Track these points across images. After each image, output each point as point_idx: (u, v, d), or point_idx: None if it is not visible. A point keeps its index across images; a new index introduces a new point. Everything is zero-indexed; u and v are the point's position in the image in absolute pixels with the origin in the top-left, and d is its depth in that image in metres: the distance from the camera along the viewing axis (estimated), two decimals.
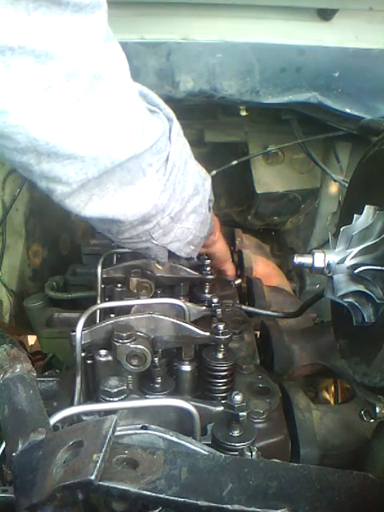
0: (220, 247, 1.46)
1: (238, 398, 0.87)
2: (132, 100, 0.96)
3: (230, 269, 1.54)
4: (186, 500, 0.57)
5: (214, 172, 1.77)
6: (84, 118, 0.87)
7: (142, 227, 1.12)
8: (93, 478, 0.55)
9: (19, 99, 0.79)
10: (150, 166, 1.03)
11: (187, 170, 1.13)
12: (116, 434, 0.73)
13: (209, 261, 1.42)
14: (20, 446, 0.66)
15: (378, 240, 0.94)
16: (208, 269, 1.40)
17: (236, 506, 0.57)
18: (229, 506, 0.57)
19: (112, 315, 1.13)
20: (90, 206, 1.00)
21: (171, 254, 1.25)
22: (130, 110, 0.95)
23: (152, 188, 1.06)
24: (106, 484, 0.57)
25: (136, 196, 1.05)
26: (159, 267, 1.30)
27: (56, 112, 0.83)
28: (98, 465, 0.56)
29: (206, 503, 0.57)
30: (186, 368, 1.09)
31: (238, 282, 1.55)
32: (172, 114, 1.10)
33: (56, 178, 0.91)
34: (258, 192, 2.03)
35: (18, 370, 0.79)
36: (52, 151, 0.86)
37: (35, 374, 0.82)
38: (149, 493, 0.57)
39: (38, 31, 0.76)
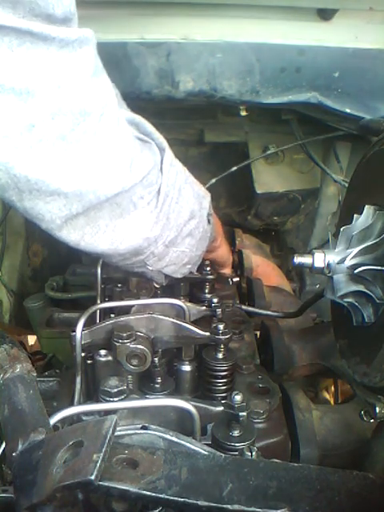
0: (221, 253, 1.45)
1: (238, 398, 0.87)
2: (120, 134, 0.94)
3: (228, 273, 1.53)
4: (186, 500, 0.57)
5: (213, 180, 1.76)
6: (68, 156, 0.84)
7: (136, 258, 1.11)
8: (93, 477, 0.55)
9: (1, 137, 0.77)
10: (141, 198, 1.01)
11: (182, 197, 1.11)
12: (116, 434, 0.73)
13: (209, 261, 1.42)
14: (20, 446, 0.66)
15: (378, 240, 0.94)
16: (208, 269, 1.40)
17: (236, 506, 0.57)
18: (229, 506, 0.57)
19: (112, 315, 1.13)
20: (82, 243, 0.99)
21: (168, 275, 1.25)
22: (116, 145, 0.92)
23: (144, 221, 1.04)
24: (106, 484, 0.57)
25: (127, 230, 1.03)
26: (157, 286, 1.29)
27: (39, 150, 0.81)
28: (97, 465, 0.56)
29: (205, 503, 0.57)
30: (186, 368, 1.09)
31: (235, 279, 1.55)
32: (165, 144, 1.07)
33: (39, 215, 0.89)
34: (258, 192, 2.03)
35: (17, 369, 0.79)
36: (34, 188, 0.84)
37: (35, 374, 0.82)
38: (149, 493, 0.57)
39: (19, 68, 0.73)
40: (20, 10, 0.70)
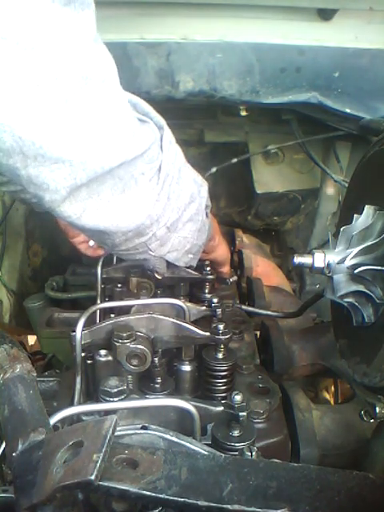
0: (221, 253, 1.45)
1: (238, 398, 0.87)
2: (121, 104, 0.94)
3: (226, 272, 1.53)
4: (186, 500, 0.57)
5: (214, 169, 1.77)
6: (71, 120, 0.84)
7: (138, 239, 1.10)
8: (93, 478, 0.54)
9: (5, 96, 0.77)
10: (143, 174, 1.01)
11: (181, 178, 1.11)
12: (116, 434, 0.73)
13: (209, 261, 1.42)
14: (20, 446, 0.66)
15: (378, 240, 0.94)
16: (208, 269, 1.40)
17: (236, 506, 0.57)
18: (229, 506, 0.57)
19: (112, 315, 1.13)
20: (83, 217, 0.98)
21: (170, 264, 1.24)
22: (118, 114, 0.93)
23: (145, 197, 1.04)
24: (106, 484, 0.57)
25: (129, 206, 1.02)
26: (158, 277, 1.29)
27: (43, 111, 0.80)
28: (97, 465, 0.55)
29: (205, 503, 0.57)
30: (186, 368, 1.09)
31: (233, 279, 1.55)
32: (163, 122, 1.07)
33: (44, 184, 0.88)
34: (258, 192, 2.03)
35: (17, 370, 0.79)
36: (39, 153, 0.83)
37: (35, 374, 0.82)
38: (149, 493, 0.57)
39: (23, 19, 0.73)
40: None
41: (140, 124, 1.00)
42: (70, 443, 0.61)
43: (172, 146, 1.09)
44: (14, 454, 0.66)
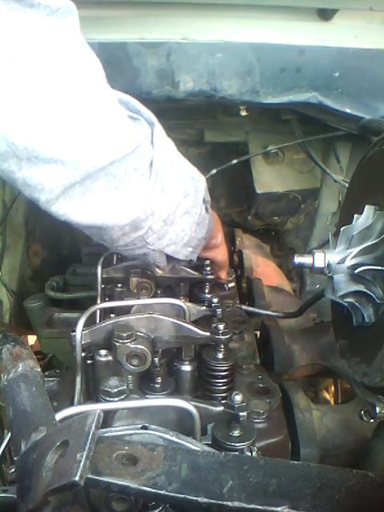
0: (222, 253, 1.44)
1: (238, 398, 0.87)
2: (109, 104, 0.97)
3: (224, 278, 1.52)
4: (186, 496, 0.57)
5: (214, 171, 1.77)
6: (61, 122, 0.88)
7: (135, 234, 1.11)
8: (77, 479, 0.53)
9: None
10: (135, 170, 1.03)
11: (175, 172, 1.12)
12: (116, 434, 0.73)
13: (208, 261, 1.42)
14: (22, 448, 0.66)
15: (378, 240, 0.94)
16: (208, 269, 1.40)
17: (236, 503, 0.56)
18: (229, 503, 0.57)
19: (112, 315, 1.13)
20: (78, 213, 1.00)
21: (170, 258, 1.24)
22: (108, 114, 0.95)
23: (139, 192, 1.06)
24: (106, 479, 0.57)
25: (123, 201, 1.04)
26: (159, 272, 1.29)
27: (33, 117, 0.84)
28: (81, 465, 0.55)
29: (206, 500, 0.57)
30: (186, 368, 1.09)
31: (231, 285, 1.54)
32: (154, 118, 1.09)
33: (38, 184, 0.92)
34: (258, 192, 2.03)
35: (20, 368, 0.79)
36: (32, 155, 0.87)
37: (39, 369, 0.81)
38: (149, 489, 0.57)
39: (10, 34, 0.77)
40: None
41: (131, 121, 1.03)
42: (58, 444, 0.60)
43: (163, 140, 1.11)
44: (15, 459, 0.66)
